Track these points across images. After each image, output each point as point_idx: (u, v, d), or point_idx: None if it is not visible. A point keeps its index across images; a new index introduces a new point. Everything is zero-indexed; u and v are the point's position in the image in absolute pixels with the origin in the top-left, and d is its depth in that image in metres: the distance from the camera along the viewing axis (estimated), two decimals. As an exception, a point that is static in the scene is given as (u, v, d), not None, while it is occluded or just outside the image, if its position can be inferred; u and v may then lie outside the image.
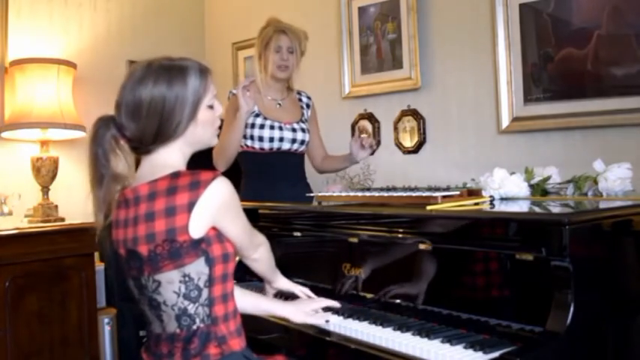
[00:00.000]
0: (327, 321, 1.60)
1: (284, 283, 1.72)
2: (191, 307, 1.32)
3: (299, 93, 2.66)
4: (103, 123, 1.38)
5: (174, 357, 1.33)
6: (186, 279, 1.31)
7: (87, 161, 1.36)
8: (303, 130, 2.51)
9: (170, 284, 1.31)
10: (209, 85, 1.40)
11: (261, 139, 2.43)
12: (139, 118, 1.34)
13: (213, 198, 1.30)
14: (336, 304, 1.65)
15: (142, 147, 1.38)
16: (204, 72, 1.40)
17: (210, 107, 1.41)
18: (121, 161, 1.37)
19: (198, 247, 1.30)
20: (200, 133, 1.40)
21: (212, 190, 1.30)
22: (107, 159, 1.35)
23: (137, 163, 1.43)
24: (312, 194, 2.22)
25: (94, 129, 1.37)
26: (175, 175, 1.32)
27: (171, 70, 1.36)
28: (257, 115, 2.45)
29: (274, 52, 2.47)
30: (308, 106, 2.64)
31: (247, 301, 1.55)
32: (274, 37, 2.47)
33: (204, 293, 1.33)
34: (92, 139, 1.36)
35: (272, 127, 2.44)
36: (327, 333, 1.63)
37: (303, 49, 2.54)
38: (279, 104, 2.55)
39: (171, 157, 1.38)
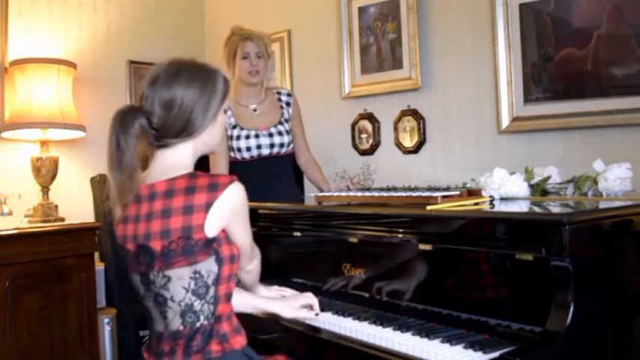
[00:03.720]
0: (316, 314, 1.65)
1: (264, 293, 1.74)
2: (197, 304, 1.34)
3: (278, 92, 2.65)
4: (131, 111, 1.41)
5: (175, 354, 1.34)
6: (197, 275, 1.34)
7: (108, 150, 1.38)
8: (280, 134, 2.52)
9: (180, 280, 1.34)
10: (229, 92, 1.50)
11: (239, 149, 2.48)
12: (170, 111, 1.38)
13: (229, 200, 1.36)
14: (315, 302, 1.67)
15: (162, 139, 1.41)
16: (226, 79, 1.50)
17: (225, 112, 1.52)
18: (143, 150, 1.42)
19: (211, 246, 1.34)
20: (216, 134, 1.48)
21: (229, 193, 1.36)
22: (134, 145, 1.38)
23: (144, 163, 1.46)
24: (309, 195, 2.22)
25: (119, 117, 1.40)
26: (193, 176, 1.38)
27: (202, 72, 1.44)
28: (234, 127, 2.49)
29: (242, 59, 2.51)
30: (288, 104, 2.63)
31: (239, 299, 1.57)
32: (240, 44, 2.51)
33: (211, 291, 1.35)
34: (119, 127, 1.38)
35: (247, 137, 2.47)
36: (327, 333, 1.63)
37: (269, 52, 2.60)
38: (255, 110, 2.56)
39: (184, 155, 1.43)
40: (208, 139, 1.46)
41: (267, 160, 2.50)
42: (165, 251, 1.33)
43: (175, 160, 1.41)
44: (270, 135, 2.50)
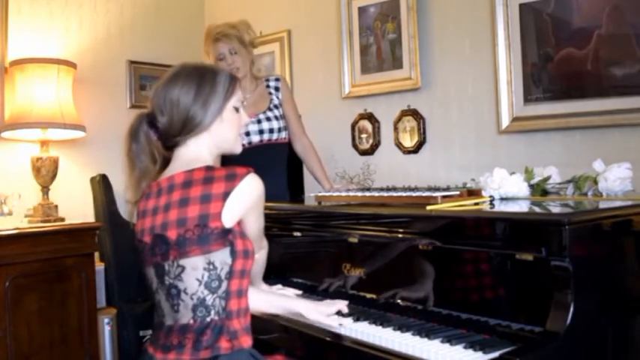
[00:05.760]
0: (340, 324, 1.59)
1: (266, 289, 1.76)
2: (209, 298, 1.35)
3: (267, 79, 2.60)
4: (137, 121, 1.48)
5: (184, 348, 1.35)
6: (211, 267, 1.35)
7: (123, 153, 1.49)
8: (268, 119, 2.48)
9: (194, 270, 1.35)
10: (237, 90, 1.52)
11: None
12: (170, 110, 1.44)
13: (246, 191, 1.39)
14: (345, 308, 1.61)
15: (170, 139, 1.46)
16: (233, 78, 1.53)
17: (237, 110, 1.52)
18: (152, 155, 1.48)
19: (226, 237, 1.36)
20: (225, 131, 1.50)
21: (246, 184, 1.39)
22: (144, 149, 1.46)
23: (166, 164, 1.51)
24: (309, 195, 2.21)
25: (130, 126, 1.48)
26: (211, 168, 1.42)
27: (201, 71, 1.48)
28: None
29: (219, 62, 2.49)
30: (277, 89, 2.58)
31: (261, 299, 1.56)
32: (212, 48, 2.50)
33: (224, 285, 1.36)
34: (129, 134, 1.47)
35: None
36: (327, 333, 1.63)
37: (251, 40, 2.52)
38: (243, 102, 2.50)
39: (201, 152, 1.47)
40: (220, 135, 1.49)
41: (258, 148, 2.45)
42: (181, 239, 1.35)
43: (193, 155, 1.46)
44: (259, 122, 2.47)
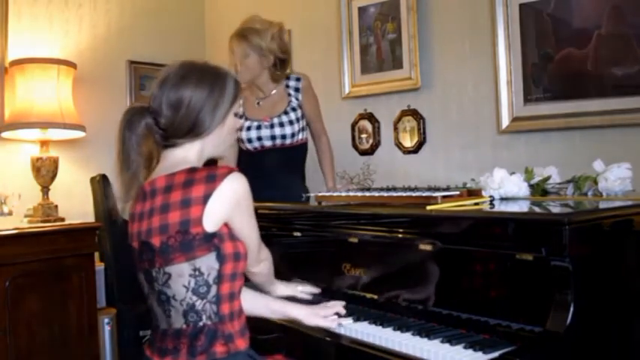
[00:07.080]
0: (339, 324, 1.59)
1: (282, 291, 1.75)
2: (199, 304, 1.33)
3: (287, 78, 2.54)
4: (138, 111, 1.43)
5: (179, 352, 1.34)
6: (197, 273, 1.32)
7: (116, 148, 1.43)
8: (281, 125, 2.45)
9: (180, 277, 1.32)
10: (240, 95, 1.50)
11: (242, 140, 2.47)
12: (178, 111, 1.39)
13: (228, 191, 1.33)
14: (342, 309, 1.62)
15: (169, 139, 1.42)
16: (237, 82, 1.50)
17: (236, 115, 1.50)
18: (148, 149, 1.43)
19: (211, 241, 1.32)
20: (224, 136, 1.47)
21: (227, 184, 1.34)
22: (139, 144, 1.41)
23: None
24: (310, 194, 2.22)
25: (127, 116, 1.42)
26: (193, 170, 1.37)
27: (212, 74, 1.44)
28: (241, 116, 2.44)
29: (231, 54, 2.44)
30: (297, 89, 2.53)
31: (258, 303, 1.56)
32: (230, 41, 2.44)
33: (213, 290, 1.34)
34: (125, 125, 1.41)
35: (249, 128, 2.45)
36: (327, 333, 1.63)
37: (271, 48, 2.41)
38: (258, 103, 2.51)
39: (191, 154, 1.43)
40: (216, 141, 1.45)
41: (271, 151, 2.46)
42: (164, 247, 1.32)
43: (180, 158, 1.42)
44: (272, 126, 2.46)
